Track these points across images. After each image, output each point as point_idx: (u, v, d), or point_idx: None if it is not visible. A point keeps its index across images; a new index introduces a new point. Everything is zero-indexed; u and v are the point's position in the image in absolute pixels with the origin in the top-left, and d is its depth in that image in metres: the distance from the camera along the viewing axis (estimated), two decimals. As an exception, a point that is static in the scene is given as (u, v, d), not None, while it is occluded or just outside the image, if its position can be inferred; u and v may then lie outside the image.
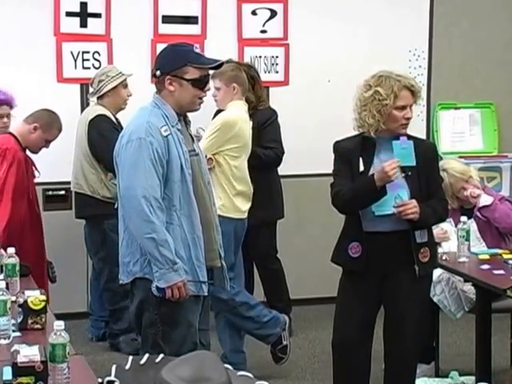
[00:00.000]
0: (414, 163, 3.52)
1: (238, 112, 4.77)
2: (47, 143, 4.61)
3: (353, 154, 3.59)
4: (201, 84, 3.33)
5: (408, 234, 3.55)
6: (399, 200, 3.50)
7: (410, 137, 3.59)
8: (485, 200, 4.56)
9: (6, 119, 4.76)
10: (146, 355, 2.01)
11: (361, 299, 3.63)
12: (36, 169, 4.67)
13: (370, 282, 3.60)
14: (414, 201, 3.50)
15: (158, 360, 1.99)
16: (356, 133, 3.65)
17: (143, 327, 3.36)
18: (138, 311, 3.37)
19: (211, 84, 4.72)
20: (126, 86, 5.23)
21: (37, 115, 4.55)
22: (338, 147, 3.67)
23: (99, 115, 4.95)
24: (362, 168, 3.56)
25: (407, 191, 3.54)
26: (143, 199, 3.19)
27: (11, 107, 4.80)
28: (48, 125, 4.52)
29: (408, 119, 3.56)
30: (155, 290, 3.25)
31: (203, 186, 3.40)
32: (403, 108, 3.54)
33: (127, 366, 1.96)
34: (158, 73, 3.33)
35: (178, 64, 3.30)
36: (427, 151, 3.65)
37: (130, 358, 1.99)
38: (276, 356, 4.77)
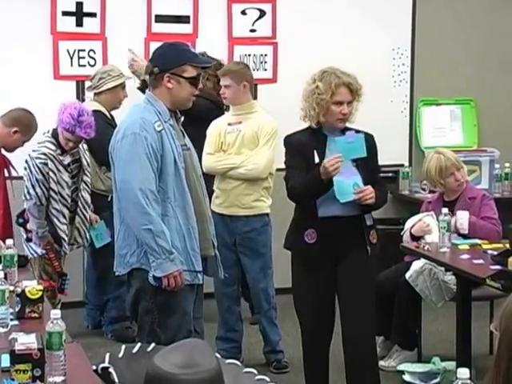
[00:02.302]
0: (364, 154, 3.62)
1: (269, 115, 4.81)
2: (23, 143, 4.55)
3: (307, 147, 3.66)
4: (196, 82, 3.36)
5: (357, 217, 3.65)
6: (357, 187, 3.59)
7: (349, 129, 3.69)
8: (462, 228, 4.46)
9: None
10: (138, 344, 2.00)
11: (317, 285, 3.68)
12: (13, 167, 4.60)
13: (324, 268, 3.66)
14: (370, 187, 3.60)
15: (149, 349, 1.98)
16: (305, 126, 3.74)
17: (140, 315, 3.36)
18: (134, 300, 3.37)
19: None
20: (123, 88, 5.21)
21: (16, 117, 4.41)
22: (291, 141, 3.73)
23: (94, 111, 4.91)
24: (317, 160, 3.62)
25: (361, 179, 3.63)
26: (139, 192, 3.19)
27: None
28: (27, 128, 4.45)
29: (344, 115, 3.63)
30: (152, 280, 3.25)
31: (195, 179, 3.41)
32: (340, 103, 3.62)
33: (120, 354, 1.95)
34: (156, 70, 3.32)
35: (178, 62, 3.31)
36: (370, 142, 3.72)
37: (123, 346, 1.97)
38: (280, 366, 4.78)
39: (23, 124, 4.41)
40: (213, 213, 4.57)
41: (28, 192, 4.49)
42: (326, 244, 3.62)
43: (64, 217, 4.58)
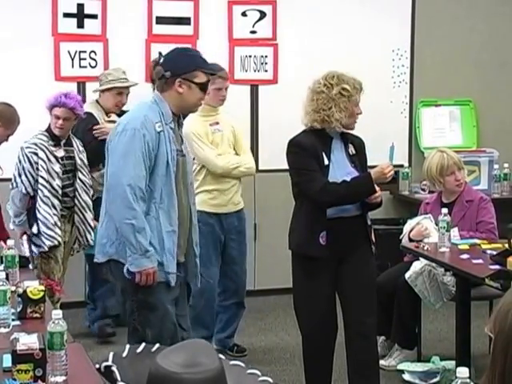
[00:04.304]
0: (392, 161, 3.69)
1: None
2: (8, 138, 4.55)
3: (316, 148, 3.65)
4: (206, 88, 3.41)
5: (359, 217, 3.69)
6: None
7: (346, 134, 3.72)
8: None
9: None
10: (143, 344, 2.00)
11: (322, 287, 3.68)
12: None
13: (329, 269, 3.67)
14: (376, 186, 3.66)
15: (154, 349, 1.98)
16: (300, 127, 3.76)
17: (128, 315, 3.39)
18: (122, 300, 3.42)
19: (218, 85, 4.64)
20: (120, 94, 5.16)
21: None
22: (301, 144, 3.69)
23: (85, 113, 4.92)
24: (326, 162, 3.63)
25: None
26: (128, 187, 3.22)
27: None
28: (10, 121, 4.46)
29: (358, 115, 3.67)
30: (126, 273, 3.28)
31: (183, 186, 3.41)
32: (358, 104, 3.67)
33: (124, 354, 1.95)
34: (168, 74, 3.32)
35: (190, 68, 3.34)
36: (361, 145, 3.80)
37: (127, 346, 1.98)
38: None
39: (5, 117, 4.42)
40: (209, 214, 4.59)
41: (15, 180, 4.56)
42: (335, 245, 3.62)
43: (54, 207, 4.58)
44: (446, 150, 4.75)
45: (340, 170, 3.63)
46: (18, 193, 4.54)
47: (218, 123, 4.67)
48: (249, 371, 1.95)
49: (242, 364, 1.97)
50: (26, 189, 4.53)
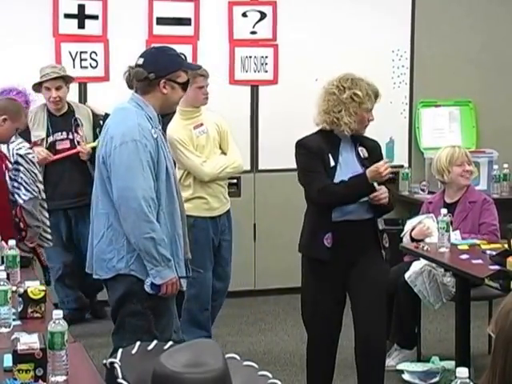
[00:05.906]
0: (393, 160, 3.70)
1: None
2: (17, 131, 4.46)
3: (322, 150, 3.63)
4: (187, 86, 3.38)
5: (370, 221, 3.67)
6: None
7: (362, 137, 3.72)
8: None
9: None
10: (154, 342, 2.01)
11: (330, 287, 3.67)
12: (9, 161, 4.56)
13: (337, 270, 3.65)
14: (383, 187, 3.62)
15: (166, 347, 1.99)
16: (315, 130, 3.73)
17: (122, 316, 3.30)
18: (118, 304, 3.31)
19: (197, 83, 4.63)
20: (48, 89, 5.12)
21: (1, 106, 4.35)
22: (307, 144, 3.68)
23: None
24: (332, 163, 3.62)
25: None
26: (143, 200, 3.15)
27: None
28: (16, 114, 4.39)
29: (370, 121, 3.67)
30: (149, 288, 3.20)
31: (175, 184, 3.37)
32: (370, 110, 3.65)
33: (133, 351, 1.96)
34: (152, 75, 3.25)
35: (173, 68, 3.29)
36: (376, 147, 3.80)
37: (138, 343, 2.00)
38: None
39: (11, 111, 4.35)
40: (204, 218, 4.58)
41: (32, 189, 4.38)
42: (342, 248, 3.60)
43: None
44: (459, 146, 4.78)
45: (348, 171, 3.60)
46: (37, 201, 4.40)
47: (202, 124, 4.62)
48: (260, 373, 1.95)
49: (255, 365, 1.98)
50: (40, 194, 4.43)
